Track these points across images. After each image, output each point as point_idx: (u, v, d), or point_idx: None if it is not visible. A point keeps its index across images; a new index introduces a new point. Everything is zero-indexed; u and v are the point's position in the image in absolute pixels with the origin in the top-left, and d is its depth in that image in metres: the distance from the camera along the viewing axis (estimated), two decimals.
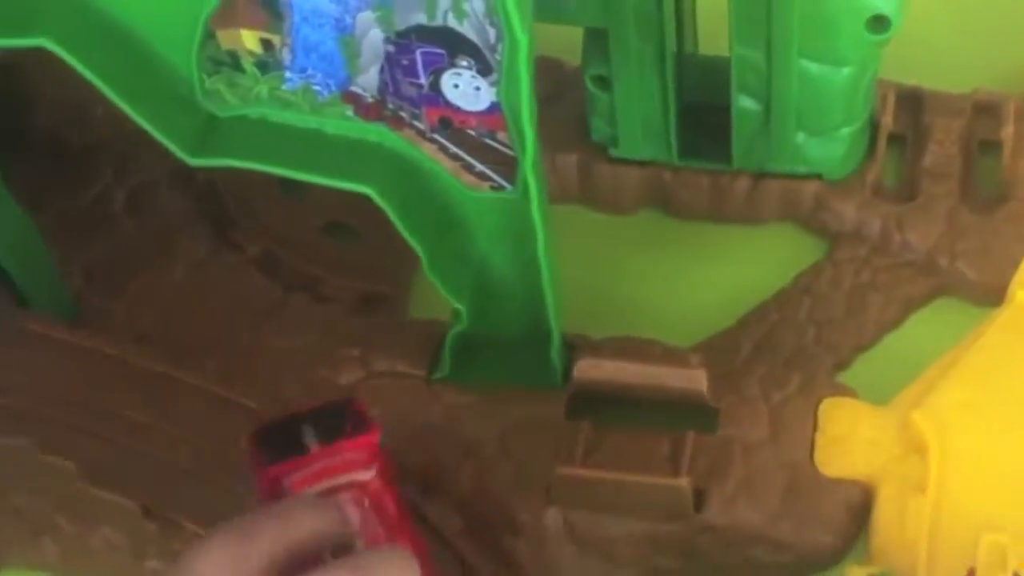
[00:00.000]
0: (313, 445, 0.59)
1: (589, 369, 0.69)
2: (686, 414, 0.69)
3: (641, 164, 0.78)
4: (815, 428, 0.69)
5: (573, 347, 0.71)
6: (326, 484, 0.59)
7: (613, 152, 0.77)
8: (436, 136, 0.62)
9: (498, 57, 0.58)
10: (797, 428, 0.69)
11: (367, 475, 0.59)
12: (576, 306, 0.70)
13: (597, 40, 0.72)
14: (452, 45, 0.58)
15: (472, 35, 0.57)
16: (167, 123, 0.61)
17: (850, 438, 0.69)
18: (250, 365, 0.71)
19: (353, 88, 0.60)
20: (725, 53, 0.73)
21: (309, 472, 0.59)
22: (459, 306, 0.67)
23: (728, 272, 0.77)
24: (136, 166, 0.78)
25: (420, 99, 0.60)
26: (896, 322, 0.75)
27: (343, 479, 0.59)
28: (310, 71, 0.60)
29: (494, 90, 0.59)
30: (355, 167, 0.62)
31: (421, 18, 0.57)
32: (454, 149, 0.62)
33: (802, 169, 0.76)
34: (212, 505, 0.63)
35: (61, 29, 0.58)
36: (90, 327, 0.71)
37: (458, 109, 0.60)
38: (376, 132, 0.62)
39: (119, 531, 0.66)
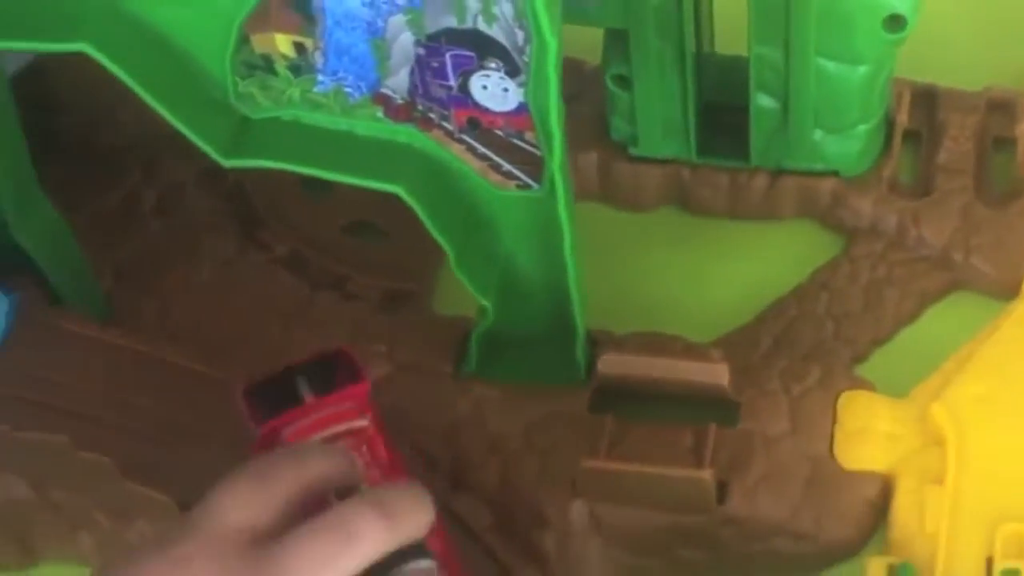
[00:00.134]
0: (308, 396, 0.60)
1: (613, 364, 0.70)
2: (707, 408, 0.70)
3: (660, 162, 0.78)
4: (834, 421, 0.70)
5: (595, 342, 0.71)
6: (323, 434, 0.60)
7: (633, 151, 0.78)
8: (464, 136, 0.62)
9: (526, 59, 0.59)
10: (817, 421, 0.69)
11: (362, 423, 0.61)
12: (596, 302, 0.70)
13: (617, 41, 0.73)
14: (481, 47, 0.59)
15: (501, 38, 0.58)
16: (202, 126, 0.62)
17: (869, 431, 0.69)
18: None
19: (383, 90, 0.61)
20: (741, 53, 0.74)
21: (306, 423, 0.60)
22: (485, 303, 0.67)
23: (747, 268, 0.78)
24: (164, 167, 0.79)
25: (449, 100, 0.61)
26: (913, 316, 0.75)
27: (340, 428, 0.60)
28: (341, 73, 0.61)
29: (522, 91, 0.60)
30: (385, 167, 0.63)
31: (451, 21, 0.58)
32: (482, 149, 0.63)
33: (819, 166, 0.77)
34: None
35: (101, 35, 0.59)
36: (122, 326, 0.72)
37: (486, 110, 0.61)
38: (405, 133, 0.63)
39: (155, 525, 0.67)
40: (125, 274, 0.76)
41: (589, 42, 0.74)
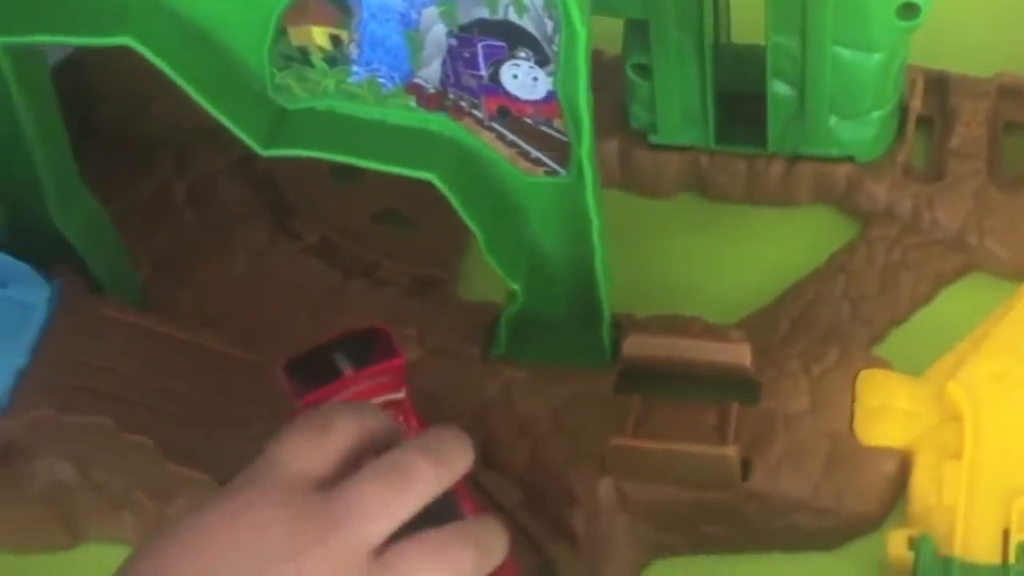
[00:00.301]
0: (347, 369, 0.62)
1: (638, 346, 0.71)
2: (727, 389, 0.71)
3: (679, 150, 0.79)
4: (853, 399, 0.70)
5: (619, 325, 0.72)
6: None
7: (652, 138, 0.79)
8: (494, 124, 0.64)
9: (555, 48, 0.60)
10: (837, 399, 0.70)
11: (399, 395, 0.62)
12: (618, 286, 0.71)
13: (638, 31, 0.74)
14: (512, 37, 0.60)
15: (531, 28, 0.59)
16: (242, 117, 0.63)
17: (888, 408, 0.70)
18: None
19: (416, 80, 0.62)
20: (756, 42, 0.75)
21: (345, 396, 0.62)
22: (515, 286, 0.69)
23: (765, 253, 0.79)
24: (195, 159, 0.80)
25: (480, 89, 0.62)
26: (928, 297, 0.76)
27: (379, 400, 0.62)
28: (376, 64, 0.62)
29: (551, 80, 0.61)
30: (417, 155, 0.64)
31: (483, 13, 0.59)
32: (511, 136, 0.64)
33: (835, 152, 0.78)
34: None
35: (144, 29, 0.60)
36: (159, 313, 0.74)
37: (516, 98, 0.62)
38: (437, 121, 0.64)
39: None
40: (160, 264, 0.77)
41: (608, 32, 0.75)
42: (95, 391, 0.68)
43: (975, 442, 0.68)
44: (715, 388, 0.71)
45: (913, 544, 0.66)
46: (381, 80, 0.63)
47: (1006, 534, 0.66)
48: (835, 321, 0.75)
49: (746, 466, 0.69)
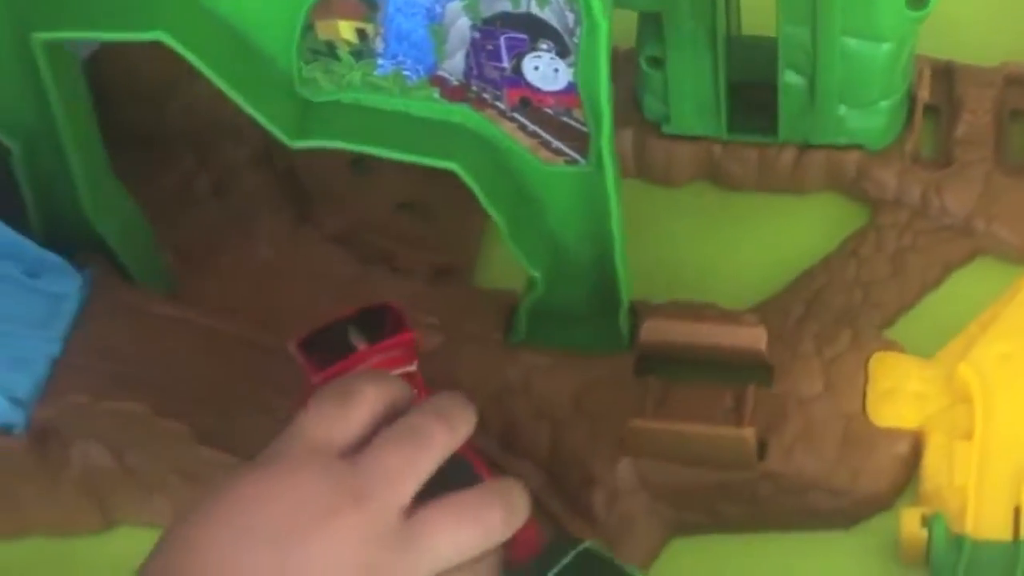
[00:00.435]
0: (360, 344, 0.63)
1: (654, 331, 0.72)
2: (742, 372, 0.72)
3: (692, 139, 0.80)
4: (866, 381, 0.72)
5: (635, 311, 0.73)
6: None
7: (665, 128, 0.80)
8: (516, 115, 0.65)
9: (576, 40, 0.61)
10: (850, 382, 0.71)
11: (412, 367, 0.64)
12: (633, 273, 0.72)
13: (651, 23, 0.76)
14: (534, 30, 0.61)
15: (553, 20, 0.61)
16: (271, 110, 0.64)
17: (900, 390, 0.71)
18: None
19: (440, 72, 0.64)
20: (766, 34, 0.76)
21: (361, 370, 0.63)
22: (535, 273, 0.70)
23: (776, 240, 0.80)
24: (216, 153, 0.81)
25: (502, 81, 0.63)
26: (937, 282, 0.77)
27: (393, 372, 0.63)
28: (401, 57, 0.63)
29: (571, 71, 0.62)
30: (440, 145, 0.65)
31: (506, 6, 0.61)
32: (532, 127, 0.65)
33: (844, 140, 0.79)
34: None
35: (176, 25, 0.61)
36: (187, 301, 0.75)
37: (537, 90, 0.63)
38: (460, 113, 0.65)
39: None
40: (186, 255, 0.78)
41: (619, 27, 0.76)
42: (128, 377, 0.70)
43: (985, 422, 0.70)
44: (729, 372, 0.72)
45: (926, 522, 0.67)
46: (406, 73, 0.64)
47: (1017, 511, 0.67)
48: (847, 306, 0.76)
49: (762, 447, 0.70)
